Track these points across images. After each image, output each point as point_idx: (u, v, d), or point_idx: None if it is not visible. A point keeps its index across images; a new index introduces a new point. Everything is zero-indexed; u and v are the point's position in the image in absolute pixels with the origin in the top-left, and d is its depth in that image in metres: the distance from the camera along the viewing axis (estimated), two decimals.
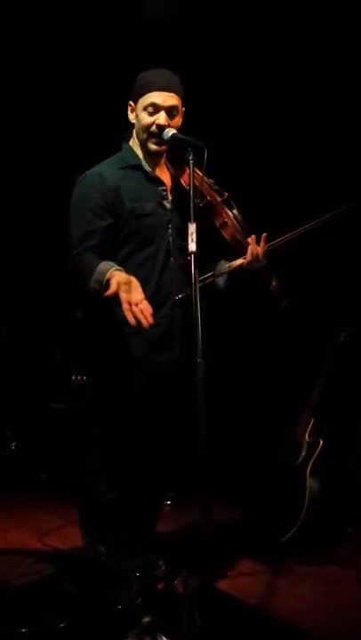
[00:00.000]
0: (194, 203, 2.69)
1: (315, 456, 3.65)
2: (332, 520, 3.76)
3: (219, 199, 3.10)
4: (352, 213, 3.25)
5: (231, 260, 3.07)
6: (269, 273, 3.15)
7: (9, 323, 4.95)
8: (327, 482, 3.68)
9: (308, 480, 3.61)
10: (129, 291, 2.63)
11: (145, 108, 2.91)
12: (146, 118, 2.92)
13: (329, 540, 3.68)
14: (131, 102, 2.98)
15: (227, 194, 3.12)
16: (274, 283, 3.16)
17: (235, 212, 3.12)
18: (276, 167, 4.51)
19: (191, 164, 2.74)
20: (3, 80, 4.70)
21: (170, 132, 2.90)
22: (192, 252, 2.62)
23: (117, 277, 2.66)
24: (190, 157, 2.74)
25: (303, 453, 3.70)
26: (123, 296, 2.62)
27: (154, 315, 2.85)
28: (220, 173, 3.03)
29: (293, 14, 4.35)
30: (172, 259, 2.99)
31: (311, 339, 4.16)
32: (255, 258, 3.03)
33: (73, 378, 4.69)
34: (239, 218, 3.13)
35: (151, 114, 2.91)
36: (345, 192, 3.31)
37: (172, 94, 2.92)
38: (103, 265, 2.73)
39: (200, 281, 2.70)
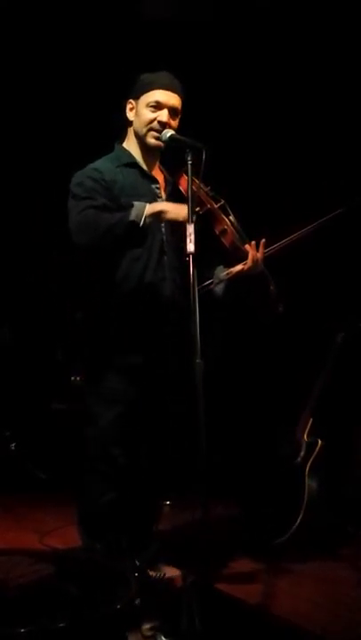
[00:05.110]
0: (194, 210, 2.67)
1: (314, 456, 3.66)
2: (332, 520, 3.76)
3: (216, 206, 3.08)
4: (350, 213, 3.25)
5: (229, 267, 3.06)
6: (268, 278, 3.15)
7: (10, 324, 4.96)
8: (326, 481, 3.68)
9: (306, 480, 3.61)
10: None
11: (148, 105, 2.94)
12: (148, 114, 2.94)
13: (329, 540, 3.69)
14: (131, 100, 3.00)
15: (223, 200, 3.11)
16: (271, 287, 3.16)
17: (231, 218, 3.10)
18: (276, 170, 4.51)
19: (190, 166, 2.73)
20: (1, 81, 4.70)
21: (168, 132, 2.90)
22: (190, 253, 2.60)
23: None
24: (189, 159, 2.73)
25: (302, 453, 3.70)
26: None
27: (146, 312, 2.87)
28: (218, 175, 3.02)
29: (293, 14, 4.35)
30: (165, 257, 2.99)
31: (310, 339, 4.16)
32: (255, 263, 3.02)
33: (73, 378, 4.70)
34: (236, 224, 3.11)
35: (154, 110, 2.94)
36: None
37: (175, 94, 2.95)
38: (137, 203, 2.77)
39: (201, 288, 2.69)
